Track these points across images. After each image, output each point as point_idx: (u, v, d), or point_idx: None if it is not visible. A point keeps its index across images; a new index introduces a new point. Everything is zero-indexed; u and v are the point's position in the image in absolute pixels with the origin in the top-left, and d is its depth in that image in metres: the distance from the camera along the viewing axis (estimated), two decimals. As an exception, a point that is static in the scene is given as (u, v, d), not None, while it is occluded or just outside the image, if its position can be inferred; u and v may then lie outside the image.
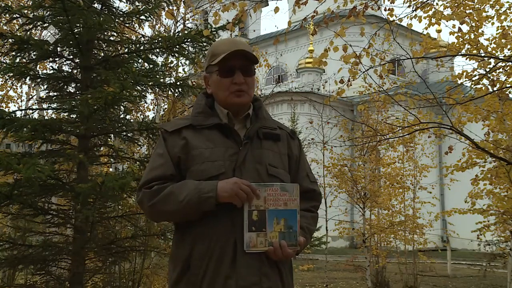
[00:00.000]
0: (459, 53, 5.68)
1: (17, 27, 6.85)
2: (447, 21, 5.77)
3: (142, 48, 4.57)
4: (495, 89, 5.70)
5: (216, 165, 1.84)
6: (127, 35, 5.91)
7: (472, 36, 5.79)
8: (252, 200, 1.78)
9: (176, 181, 1.86)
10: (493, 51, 5.81)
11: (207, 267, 1.78)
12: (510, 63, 5.22)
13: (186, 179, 1.85)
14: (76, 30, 4.24)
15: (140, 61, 4.69)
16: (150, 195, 1.84)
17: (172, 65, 7.07)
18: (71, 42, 4.35)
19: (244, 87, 1.92)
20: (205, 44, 4.58)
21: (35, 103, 8.79)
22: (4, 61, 4.43)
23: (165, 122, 5.67)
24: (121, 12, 4.73)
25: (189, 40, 4.49)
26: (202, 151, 1.86)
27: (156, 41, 4.54)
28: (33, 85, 8.27)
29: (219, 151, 1.86)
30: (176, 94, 4.96)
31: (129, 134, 4.80)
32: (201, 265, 1.79)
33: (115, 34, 4.71)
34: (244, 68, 1.93)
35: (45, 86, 4.56)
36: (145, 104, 9.11)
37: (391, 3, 5.53)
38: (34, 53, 4.38)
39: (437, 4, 8.02)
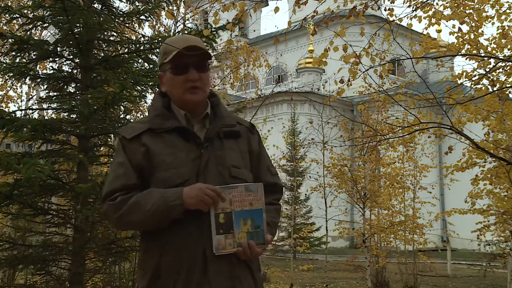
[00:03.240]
0: (459, 53, 5.67)
1: (17, 27, 6.85)
2: (447, 21, 5.77)
3: (142, 48, 4.57)
4: (495, 89, 5.70)
5: (180, 172, 1.81)
6: (127, 35, 5.91)
7: (472, 36, 5.79)
8: (218, 203, 1.77)
9: (140, 189, 1.82)
10: (493, 51, 5.81)
11: (178, 276, 1.76)
12: (510, 63, 5.22)
13: (151, 187, 1.82)
14: (76, 30, 4.24)
15: (140, 61, 4.69)
16: (115, 208, 1.80)
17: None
18: (71, 42, 4.35)
19: (198, 84, 1.88)
20: (205, 44, 4.57)
21: (35, 103, 8.79)
22: (4, 61, 4.42)
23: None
24: (121, 12, 4.73)
25: (189, 40, 4.48)
26: (164, 158, 1.82)
27: (156, 41, 4.54)
28: (33, 85, 8.27)
29: (181, 156, 1.83)
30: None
31: (129, 134, 4.79)
32: (171, 274, 1.77)
33: (115, 34, 4.70)
34: (198, 64, 1.89)
35: (45, 86, 4.56)
36: (145, 104, 9.10)
37: (391, 3, 5.53)
38: (34, 53, 4.38)
39: (437, 4, 8.03)
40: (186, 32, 4.81)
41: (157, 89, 4.76)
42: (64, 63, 4.70)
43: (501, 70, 5.60)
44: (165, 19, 8.67)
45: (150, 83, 4.30)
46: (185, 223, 1.78)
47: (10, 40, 4.22)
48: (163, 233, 1.80)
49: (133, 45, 4.68)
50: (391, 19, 5.37)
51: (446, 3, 5.67)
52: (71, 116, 4.47)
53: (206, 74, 1.93)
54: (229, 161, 1.88)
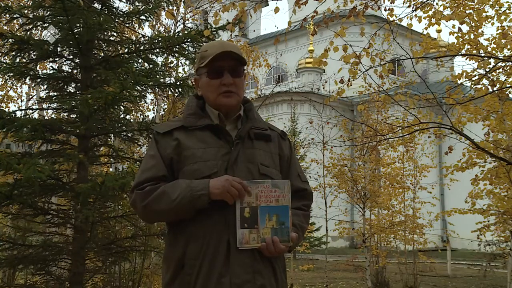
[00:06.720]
0: (459, 53, 5.67)
1: (17, 27, 6.86)
2: (447, 21, 5.76)
3: (142, 48, 4.57)
4: (495, 89, 5.69)
5: (209, 165, 1.86)
6: (127, 35, 5.91)
7: (472, 36, 5.78)
8: (244, 197, 1.80)
9: (168, 182, 1.87)
10: (493, 51, 5.81)
11: (201, 266, 1.80)
12: (510, 63, 5.22)
13: (179, 179, 1.87)
14: (76, 30, 4.23)
15: (140, 61, 4.69)
16: (143, 196, 1.85)
17: (172, 65, 7.08)
18: (71, 42, 4.35)
19: (233, 88, 1.95)
20: (205, 44, 4.57)
21: (35, 103, 8.79)
22: (4, 61, 4.42)
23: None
24: (121, 12, 4.73)
25: (189, 40, 4.49)
26: (194, 152, 1.88)
27: (156, 41, 4.54)
28: (33, 85, 8.27)
29: (211, 151, 1.88)
30: (176, 94, 4.96)
31: (129, 134, 4.81)
32: (194, 264, 1.80)
33: (115, 34, 4.70)
34: (233, 69, 1.95)
35: (45, 86, 4.56)
36: (145, 104, 9.12)
37: (391, 3, 5.53)
38: (34, 53, 4.38)
39: (437, 4, 8.03)
40: (186, 32, 4.81)
41: (157, 89, 4.77)
42: (64, 63, 4.70)
43: (501, 70, 5.59)
44: (165, 19, 8.67)
45: (150, 83, 4.30)
46: (212, 213, 1.82)
47: (10, 40, 4.22)
48: (188, 224, 1.84)
49: (133, 45, 4.68)
50: (391, 19, 5.36)
51: (446, 3, 5.67)
52: (71, 116, 4.48)
53: (241, 79, 1.99)
54: (258, 159, 1.93)
